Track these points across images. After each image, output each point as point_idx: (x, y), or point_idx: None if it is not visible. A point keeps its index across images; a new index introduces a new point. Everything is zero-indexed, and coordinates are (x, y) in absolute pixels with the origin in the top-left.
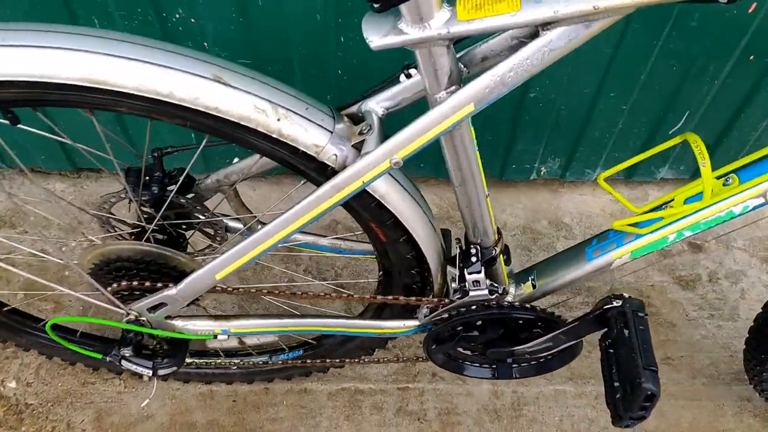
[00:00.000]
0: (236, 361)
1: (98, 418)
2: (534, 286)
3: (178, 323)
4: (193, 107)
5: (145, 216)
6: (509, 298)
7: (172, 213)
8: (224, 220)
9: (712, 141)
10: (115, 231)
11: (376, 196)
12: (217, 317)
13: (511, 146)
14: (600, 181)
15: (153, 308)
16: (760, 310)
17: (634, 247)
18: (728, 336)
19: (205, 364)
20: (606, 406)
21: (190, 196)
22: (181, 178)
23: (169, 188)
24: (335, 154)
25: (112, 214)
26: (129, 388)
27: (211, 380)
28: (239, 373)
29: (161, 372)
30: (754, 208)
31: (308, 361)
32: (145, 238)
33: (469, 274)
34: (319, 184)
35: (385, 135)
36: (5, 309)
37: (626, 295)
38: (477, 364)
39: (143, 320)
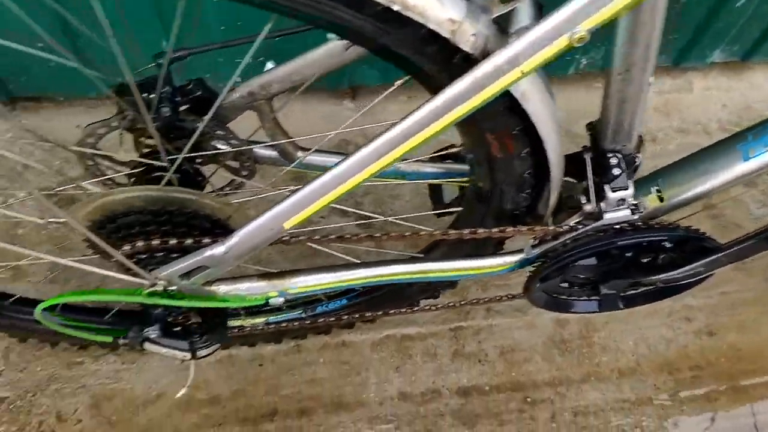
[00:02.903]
0: (260, 320)
1: (95, 404)
2: (661, 199)
3: (221, 288)
4: None
5: (146, 150)
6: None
7: (183, 143)
8: (255, 149)
9: None
10: (102, 174)
11: (516, 96)
12: (270, 276)
13: None
14: None
15: (186, 274)
16: None
17: None
18: None
19: None
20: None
21: (206, 117)
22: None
23: (181, 108)
24: (473, 35)
25: (100, 151)
26: (128, 364)
27: (229, 343)
28: (265, 333)
29: (202, 353)
30: None
31: (355, 313)
32: (165, 181)
33: (614, 191)
34: (432, 86)
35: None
36: None
37: None
38: (583, 298)
39: (173, 290)
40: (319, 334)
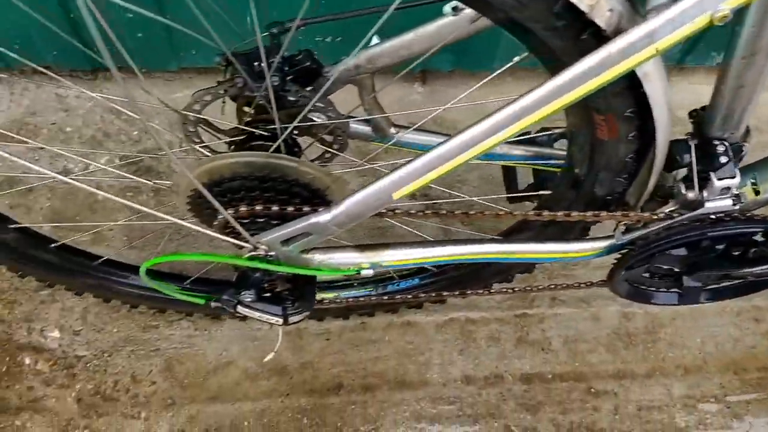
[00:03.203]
0: (331, 295)
1: (168, 367)
2: (757, 192)
3: (317, 257)
4: None
5: (248, 119)
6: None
7: (284, 114)
8: (351, 123)
9: None
10: (199, 142)
11: (639, 75)
12: (364, 248)
13: None
14: None
15: (286, 240)
16: None
17: None
18: None
19: None
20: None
21: (309, 89)
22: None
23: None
24: (610, 10)
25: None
26: (200, 331)
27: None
28: (334, 308)
29: (293, 319)
30: None
31: (426, 293)
32: (274, 148)
33: (720, 179)
34: (551, 63)
35: None
36: (53, 246)
37: None
38: (663, 290)
39: (272, 256)
40: (386, 312)
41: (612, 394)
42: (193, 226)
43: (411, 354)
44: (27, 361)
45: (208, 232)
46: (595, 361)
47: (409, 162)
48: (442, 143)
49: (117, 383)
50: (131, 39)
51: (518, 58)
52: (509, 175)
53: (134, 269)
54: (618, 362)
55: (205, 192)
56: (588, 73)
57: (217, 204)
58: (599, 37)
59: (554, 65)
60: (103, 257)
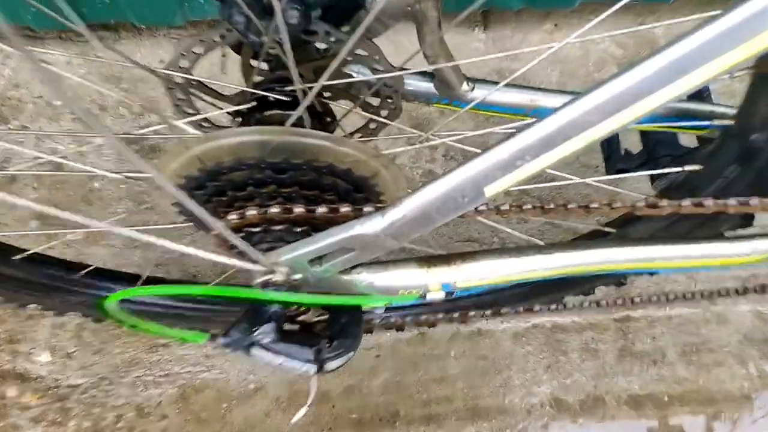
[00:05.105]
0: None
1: (182, 396)
2: None
3: (363, 278)
4: None
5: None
6: None
7: (309, 68)
8: (406, 78)
9: None
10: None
11: None
12: (431, 261)
13: None
14: None
15: (318, 258)
16: None
17: None
18: None
19: None
20: None
21: (345, 29)
22: None
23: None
24: None
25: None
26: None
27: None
28: (385, 318)
29: (330, 365)
30: None
31: (498, 305)
32: (291, 121)
33: None
34: None
35: None
36: (17, 258)
37: None
38: None
39: (295, 280)
40: (450, 321)
41: (749, 421)
42: (178, 247)
43: (484, 373)
44: (11, 392)
45: (195, 253)
46: (724, 378)
47: (512, 136)
48: (571, 101)
49: (120, 418)
50: None
51: None
52: (610, 139)
53: (132, 278)
54: (755, 378)
55: (177, 192)
56: None
57: (198, 209)
58: None
59: None
60: (89, 266)
